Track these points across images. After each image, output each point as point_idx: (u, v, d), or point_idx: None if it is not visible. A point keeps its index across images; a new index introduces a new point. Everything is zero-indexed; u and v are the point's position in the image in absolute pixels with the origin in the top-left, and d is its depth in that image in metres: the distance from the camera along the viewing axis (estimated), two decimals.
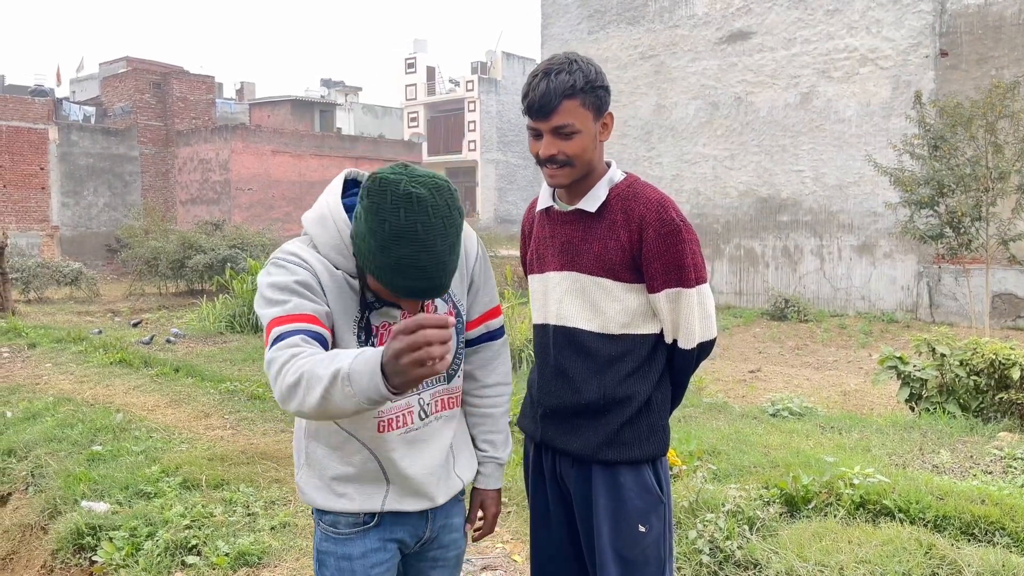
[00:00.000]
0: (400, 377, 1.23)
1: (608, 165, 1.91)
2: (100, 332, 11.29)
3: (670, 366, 1.92)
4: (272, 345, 1.42)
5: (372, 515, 1.70)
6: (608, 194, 1.86)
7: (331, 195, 1.61)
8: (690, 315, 1.82)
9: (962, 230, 11.68)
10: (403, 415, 1.68)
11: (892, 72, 15.35)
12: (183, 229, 22.19)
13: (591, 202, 1.86)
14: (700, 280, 1.83)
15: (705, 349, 1.89)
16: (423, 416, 1.71)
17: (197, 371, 7.75)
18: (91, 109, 28.73)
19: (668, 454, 1.96)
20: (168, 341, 10.76)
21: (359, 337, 1.60)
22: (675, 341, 1.87)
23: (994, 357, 5.62)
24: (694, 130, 18.15)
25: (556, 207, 1.95)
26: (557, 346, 1.92)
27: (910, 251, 15.23)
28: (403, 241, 1.39)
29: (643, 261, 1.82)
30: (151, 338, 10.84)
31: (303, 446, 1.75)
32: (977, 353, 5.75)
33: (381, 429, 1.64)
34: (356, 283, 1.58)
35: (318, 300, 1.51)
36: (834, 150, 16.14)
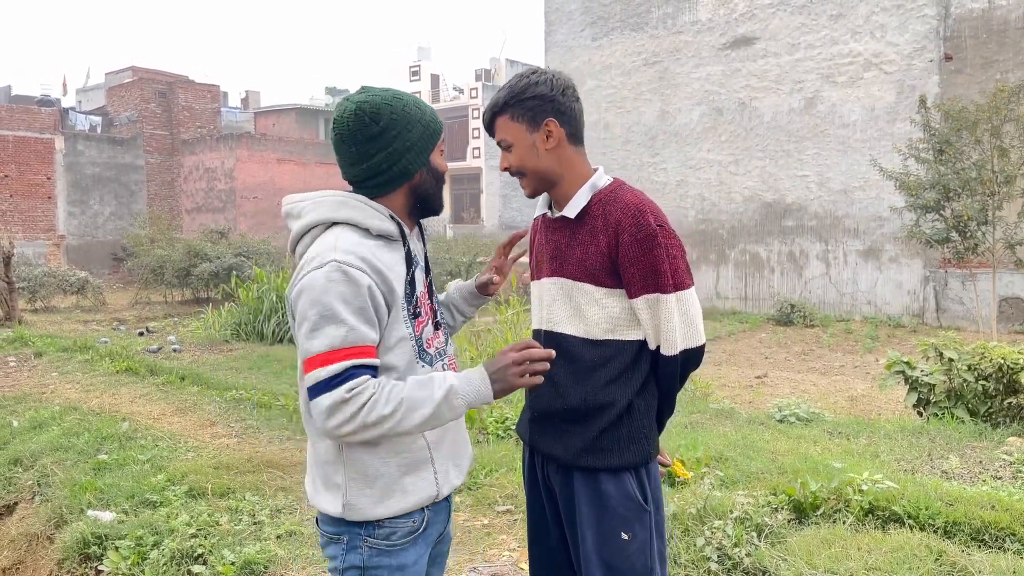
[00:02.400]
0: (502, 384, 1.57)
1: (595, 171, 1.92)
2: (107, 341, 11.32)
3: (655, 373, 1.90)
4: (341, 380, 1.52)
5: (422, 519, 1.71)
6: (590, 200, 1.87)
7: (324, 191, 1.74)
8: (670, 321, 1.80)
9: (968, 234, 11.64)
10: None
11: (896, 77, 15.33)
12: (188, 237, 22.29)
13: (571, 208, 1.88)
14: (680, 286, 1.81)
15: (692, 357, 1.87)
16: None
17: (203, 379, 7.76)
18: (97, 119, 28.89)
19: (674, 465, 1.95)
20: (174, 350, 10.80)
21: (407, 318, 1.67)
22: (658, 347, 1.86)
23: (1002, 361, 5.59)
24: (698, 136, 18.14)
25: (548, 214, 1.99)
26: None
27: (916, 255, 15.18)
28: (422, 103, 1.77)
29: (620, 266, 1.81)
30: (159, 348, 10.88)
31: (339, 458, 1.66)
32: (985, 358, 5.72)
33: None
34: (400, 241, 1.69)
35: (374, 320, 1.59)
36: (839, 155, 16.11)
